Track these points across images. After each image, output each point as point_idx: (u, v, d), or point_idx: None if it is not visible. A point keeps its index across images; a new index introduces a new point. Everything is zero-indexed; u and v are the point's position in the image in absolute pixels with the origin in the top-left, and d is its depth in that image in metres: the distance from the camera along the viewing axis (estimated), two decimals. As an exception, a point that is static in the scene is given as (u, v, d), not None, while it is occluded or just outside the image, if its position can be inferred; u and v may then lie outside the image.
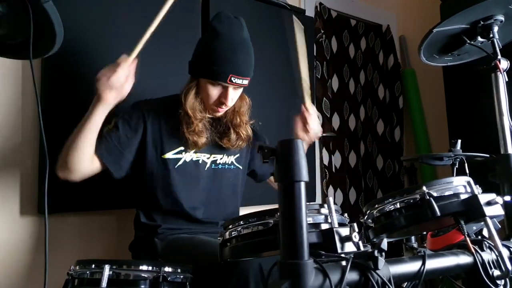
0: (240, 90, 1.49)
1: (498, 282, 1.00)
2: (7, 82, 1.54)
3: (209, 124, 1.49)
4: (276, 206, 0.84)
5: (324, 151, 2.62)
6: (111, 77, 1.22)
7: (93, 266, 1.04)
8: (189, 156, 1.47)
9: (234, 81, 1.39)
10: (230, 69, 1.37)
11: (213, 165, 1.53)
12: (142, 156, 1.44)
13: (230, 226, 0.97)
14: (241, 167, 1.60)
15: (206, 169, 1.51)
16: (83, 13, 1.63)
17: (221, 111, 1.48)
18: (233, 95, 1.45)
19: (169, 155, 1.45)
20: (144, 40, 1.26)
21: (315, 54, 2.58)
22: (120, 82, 1.23)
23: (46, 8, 0.85)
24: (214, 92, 1.42)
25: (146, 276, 1.03)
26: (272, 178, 1.73)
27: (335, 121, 2.72)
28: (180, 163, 1.46)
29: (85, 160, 1.31)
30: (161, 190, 1.45)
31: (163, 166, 1.44)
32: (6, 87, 1.54)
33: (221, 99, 1.43)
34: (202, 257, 1.27)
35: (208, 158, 1.52)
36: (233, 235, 0.95)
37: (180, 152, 1.46)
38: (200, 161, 1.50)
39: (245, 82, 1.43)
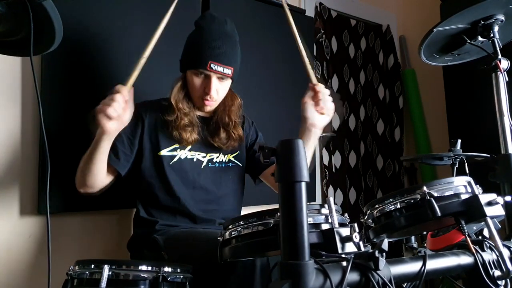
0: (227, 82, 1.49)
1: (499, 282, 1.00)
2: (7, 81, 1.53)
3: (200, 122, 1.52)
4: (276, 206, 0.83)
5: (324, 151, 2.62)
6: (108, 110, 1.22)
7: (93, 266, 1.03)
8: (184, 153, 1.50)
9: (214, 68, 1.40)
10: (209, 56, 1.40)
11: (210, 163, 1.55)
12: (140, 153, 1.48)
13: (230, 226, 0.97)
14: (240, 164, 1.61)
15: (202, 167, 1.53)
16: (83, 12, 1.63)
17: (208, 104, 1.48)
18: (217, 85, 1.46)
19: (164, 152, 1.48)
20: (139, 67, 1.27)
21: (315, 54, 2.58)
22: (118, 112, 1.24)
23: (45, 5, 0.85)
24: (197, 82, 1.45)
25: (145, 276, 1.03)
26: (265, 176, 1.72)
27: (335, 121, 2.72)
28: (175, 160, 1.49)
29: (102, 178, 1.39)
30: (158, 186, 1.48)
31: (158, 163, 1.47)
32: (5, 86, 1.53)
33: (205, 90, 1.44)
34: (207, 246, 1.26)
35: (204, 157, 1.54)
36: (233, 235, 0.95)
37: (175, 150, 1.49)
38: (195, 159, 1.52)
39: (227, 71, 1.43)
